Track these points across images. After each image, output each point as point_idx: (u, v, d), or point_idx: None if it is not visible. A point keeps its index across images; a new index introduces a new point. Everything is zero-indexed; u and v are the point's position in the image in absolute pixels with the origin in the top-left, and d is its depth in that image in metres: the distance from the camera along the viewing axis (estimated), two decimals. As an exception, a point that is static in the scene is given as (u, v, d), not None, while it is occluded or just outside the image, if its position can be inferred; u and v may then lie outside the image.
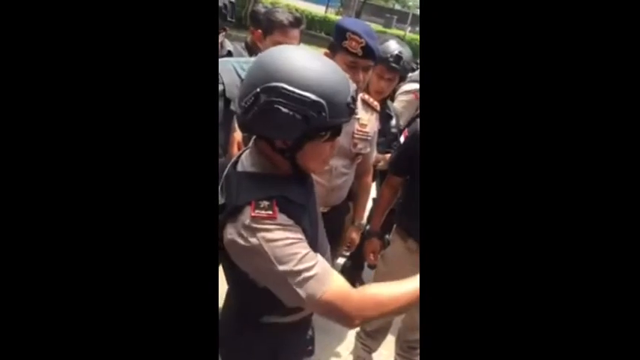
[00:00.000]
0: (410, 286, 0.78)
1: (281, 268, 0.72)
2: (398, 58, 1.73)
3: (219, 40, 1.22)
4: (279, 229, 0.73)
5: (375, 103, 1.56)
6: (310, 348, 1.07)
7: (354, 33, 1.29)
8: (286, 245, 0.73)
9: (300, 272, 0.73)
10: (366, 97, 1.54)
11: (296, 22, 1.63)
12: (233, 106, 1.48)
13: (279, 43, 1.60)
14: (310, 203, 0.87)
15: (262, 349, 0.94)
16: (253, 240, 0.73)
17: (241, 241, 0.74)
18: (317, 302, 0.74)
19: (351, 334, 1.96)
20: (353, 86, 0.78)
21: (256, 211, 0.73)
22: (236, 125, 1.68)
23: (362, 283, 2.43)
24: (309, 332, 1.06)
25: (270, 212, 0.73)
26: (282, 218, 0.74)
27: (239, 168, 0.84)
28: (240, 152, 0.90)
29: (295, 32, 1.64)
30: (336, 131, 0.80)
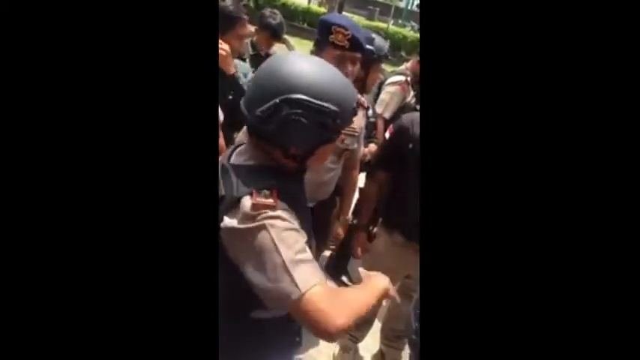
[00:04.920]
0: (373, 287, 0.81)
1: (284, 253, 0.71)
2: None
3: None
4: (279, 216, 0.74)
5: (363, 100, 1.58)
6: (298, 339, 1.09)
7: (339, 26, 1.31)
8: (288, 231, 0.73)
9: (300, 260, 0.72)
10: (357, 95, 1.56)
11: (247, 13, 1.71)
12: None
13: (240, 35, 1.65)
14: (303, 198, 0.90)
15: (250, 343, 0.95)
16: (255, 224, 0.73)
17: (242, 227, 0.74)
18: (305, 297, 0.70)
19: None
20: (356, 91, 0.85)
21: (257, 198, 0.74)
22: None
23: (347, 274, 2.47)
24: (297, 324, 1.08)
25: (271, 200, 0.74)
26: (282, 206, 0.75)
27: (234, 161, 0.85)
28: (232, 147, 0.91)
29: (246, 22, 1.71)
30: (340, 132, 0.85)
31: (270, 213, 0.74)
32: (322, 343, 1.99)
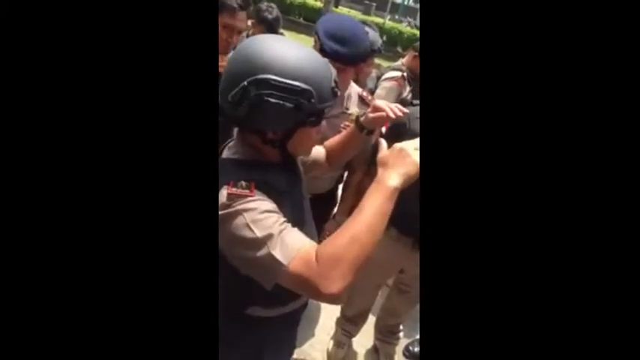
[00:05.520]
0: (360, 218, 0.72)
1: (260, 232, 0.70)
2: None
3: None
4: (255, 202, 0.73)
5: (370, 98, 1.57)
6: (293, 336, 1.09)
7: (316, 33, 1.30)
8: (265, 213, 0.72)
9: (278, 235, 0.71)
10: (364, 93, 1.55)
11: (244, 4, 1.62)
12: None
13: (228, 25, 1.58)
14: (294, 190, 0.88)
15: (247, 342, 0.95)
16: (228, 211, 0.72)
17: (219, 215, 0.73)
18: (291, 271, 0.69)
19: (332, 320, 2.00)
20: (334, 71, 0.81)
21: (232, 189, 0.73)
22: None
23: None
24: (296, 326, 1.07)
25: (247, 191, 0.73)
26: (259, 196, 0.74)
27: (224, 156, 0.85)
28: (225, 143, 0.91)
29: (243, 15, 1.63)
30: (322, 115, 0.82)
31: (246, 199, 0.73)
32: (316, 339, 2.00)
